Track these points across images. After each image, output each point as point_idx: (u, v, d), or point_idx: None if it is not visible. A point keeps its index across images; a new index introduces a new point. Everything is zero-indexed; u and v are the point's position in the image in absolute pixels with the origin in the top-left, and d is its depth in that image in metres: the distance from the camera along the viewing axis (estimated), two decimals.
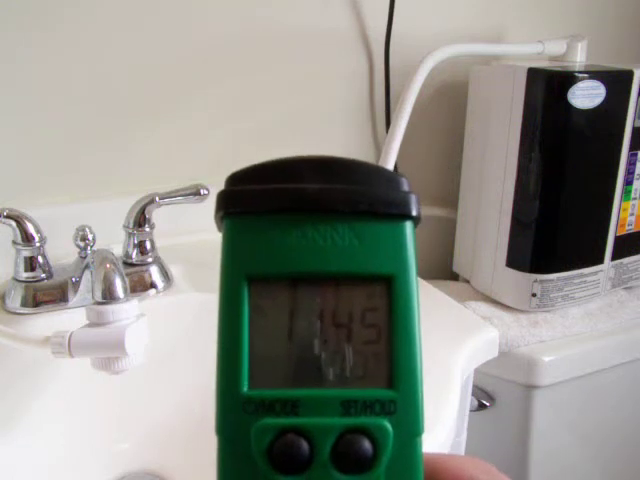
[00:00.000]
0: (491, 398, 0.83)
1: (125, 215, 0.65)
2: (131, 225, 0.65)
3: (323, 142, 0.88)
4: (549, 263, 0.81)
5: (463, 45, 0.82)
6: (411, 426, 0.18)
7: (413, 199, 0.19)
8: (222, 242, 0.19)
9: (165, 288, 0.67)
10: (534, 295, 0.82)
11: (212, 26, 0.76)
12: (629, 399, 0.90)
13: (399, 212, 0.19)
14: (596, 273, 0.85)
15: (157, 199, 0.64)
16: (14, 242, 0.60)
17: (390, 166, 0.73)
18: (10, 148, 0.69)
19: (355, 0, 0.83)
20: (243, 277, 0.19)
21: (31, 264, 0.61)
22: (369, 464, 0.18)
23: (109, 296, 0.50)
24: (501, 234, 0.83)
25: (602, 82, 0.75)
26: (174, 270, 0.69)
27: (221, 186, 0.20)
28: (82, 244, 0.61)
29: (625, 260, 0.88)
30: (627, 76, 0.78)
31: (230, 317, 0.19)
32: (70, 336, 0.45)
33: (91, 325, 0.47)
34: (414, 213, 0.19)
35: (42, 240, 0.61)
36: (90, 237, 0.61)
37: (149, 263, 0.66)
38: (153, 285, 0.66)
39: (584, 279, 0.84)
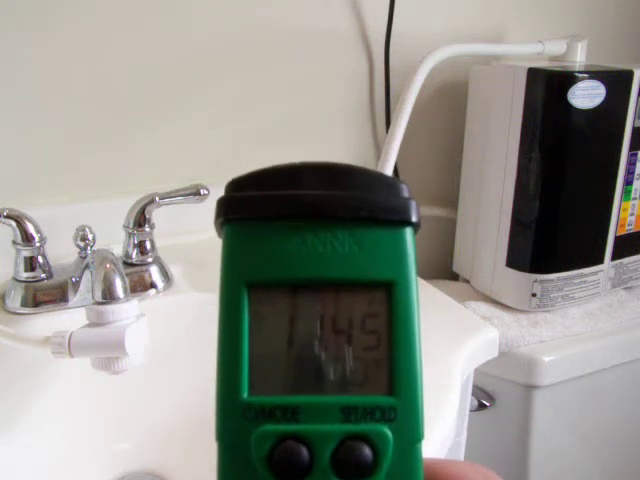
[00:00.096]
0: (491, 398, 0.83)
1: (125, 215, 0.65)
2: (131, 225, 0.65)
3: (323, 142, 0.88)
4: (549, 263, 0.81)
5: (463, 45, 0.81)
6: (411, 433, 0.18)
7: (413, 205, 0.19)
8: (222, 248, 0.19)
9: (165, 288, 0.67)
10: (534, 295, 0.82)
11: (212, 26, 0.76)
12: (629, 399, 0.90)
13: (399, 218, 0.19)
14: (596, 273, 0.85)
15: (157, 199, 0.64)
16: (14, 242, 0.60)
17: (390, 166, 0.73)
18: (10, 148, 0.69)
19: (355, 0, 0.83)
20: (243, 284, 0.19)
21: (31, 264, 0.61)
22: (369, 471, 0.18)
23: (109, 296, 0.50)
24: (501, 234, 0.83)
25: (602, 82, 0.75)
26: (174, 270, 0.69)
27: (221, 186, 0.20)
28: (82, 244, 0.61)
29: (625, 260, 0.88)
30: (627, 76, 0.78)
31: (230, 323, 0.19)
32: (70, 336, 0.45)
33: (91, 325, 0.48)
34: (414, 219, 0.19)
35: (42, 240, 0.61)
36: (90, 237, 0.61)
37: (149, 263, 0.66)
38: (153, 285, 0.66)
39: (584, 279, 0.84)
